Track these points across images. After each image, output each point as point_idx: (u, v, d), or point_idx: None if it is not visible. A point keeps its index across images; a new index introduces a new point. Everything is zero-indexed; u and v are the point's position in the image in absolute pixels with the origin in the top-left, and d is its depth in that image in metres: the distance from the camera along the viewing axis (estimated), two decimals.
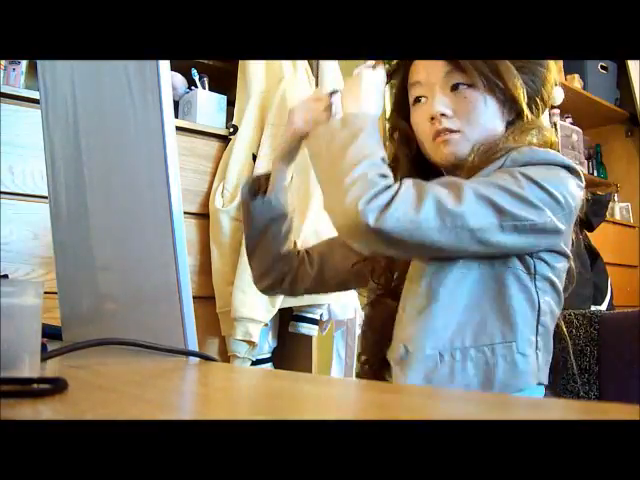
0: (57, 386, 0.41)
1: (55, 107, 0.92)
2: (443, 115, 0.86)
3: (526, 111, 0.87)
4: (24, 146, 1.57)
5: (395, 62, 0.95)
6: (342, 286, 1.11)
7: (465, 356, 0.79)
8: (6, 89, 1.59)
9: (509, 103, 0.87)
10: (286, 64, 1.92)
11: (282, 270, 1.05)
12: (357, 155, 0.78)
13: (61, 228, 0.95)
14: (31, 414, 0.36)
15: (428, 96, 0.89)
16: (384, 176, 0.77)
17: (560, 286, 0.86)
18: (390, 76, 0.96)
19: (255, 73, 1.93)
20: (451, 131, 0.86)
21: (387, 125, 1.00)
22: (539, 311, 0.82)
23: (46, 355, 0.57)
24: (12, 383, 0.41)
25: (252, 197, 1.01)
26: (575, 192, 0.81)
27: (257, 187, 1.02)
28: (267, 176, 1.03)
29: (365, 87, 0.87)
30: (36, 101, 1.08)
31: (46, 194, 0.98)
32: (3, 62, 1.72)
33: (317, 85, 1.97)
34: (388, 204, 0.73)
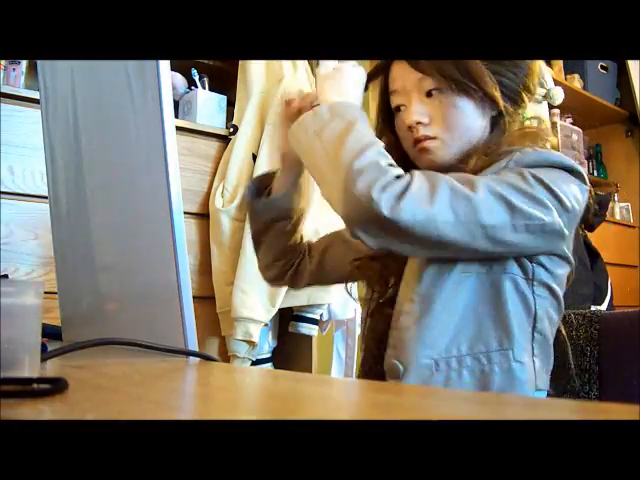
0: (57, 386, 0.41)
1: (55, 107, 0.92)
2: (419, 123, 0.86)
3: (503, 106, 0.86)
4: (24, 146, 1.57)
5: (375, 70, 0.94)
6: (340, 281, 1.10)
7: (461, 364, 0.78)
8: (6, 89, 1.59)
9: (488, 99, 0.85)
10: (286, 64, 1.92)
11: (286, 263, 1.05)
12: (360, 142, 0.76)
13: (61, 228, 0.95)
14: (31, 414, 0.36)
15: (406, 104, 0.88)
16: (392, 165, 0.76)
17: (560, 293, 0.84)
18: (369, 80, 0.95)
19: (255, 73, 1.93)
20: (429, 138, 0.86)
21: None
22: (535, 318, 0.81)
23: (46, 355, 0.57)
24: (12, 383, 0.41)
25: (256, 197, 1.01)
26: (579, 196, 0.80)
27: (263, 186, 1.02)
28: (273, 174, 1.02)
29: (346, 82, 0.86)
30: (36, 101, 1.08)
31: (46, 194, 0.98)
32: (3, 62, 1.72)
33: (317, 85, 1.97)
34: (402, 193, 0.71)
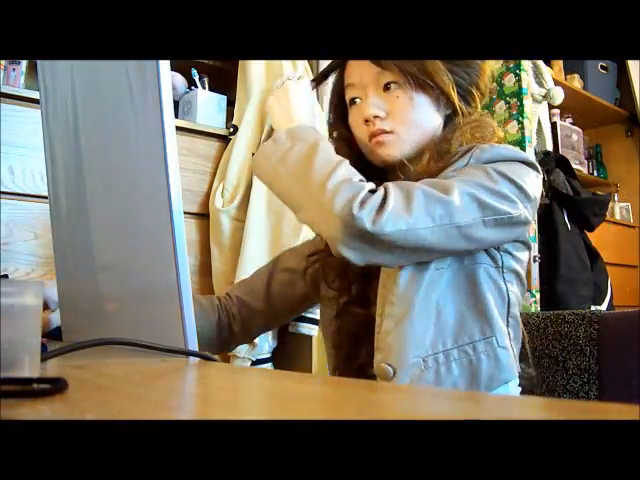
0: (57, 386, 0.41)
1: (55, 107, 0.92)
2: (376, 117, 0.86)
3: (458, 106, 0.87)
4: (24, 146, 1.57)
5: (333, 65, 0.95)
6: (294, 310, 1.09)
7: (448, 358, 0.79)
8: (6, 89, 1.59)
9: (444, 97, 0.87)
10: (286, 64, 1.92)
11: (217, 335, 1.02)
12: (328, 161, 0.77)
13: (61, 228, 0.95)
14: (31, 414, 0.36)
15: (362, 97, 0.89)
16: (363, 180, 0.77)
17: (524, 276, 0.88)
18: (325, 76, 0.96)
19: (255, 73, 1.93)
20: (385, 132, 0.86)
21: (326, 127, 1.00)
22: (509, 303, 0.84)
23: (46, 355, 0.57)
24: (12, 383, 0.41)
25: None
26: (537, 184, 0.84)
27: None
28: None
29: (294, 100, 0.87)
30: (36, 101, 1.08)
31: (46, 194, 0.98)
32: (3, 62, 1.72)
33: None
34: (381, 206, 0.73)
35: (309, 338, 1.89)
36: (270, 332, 1.90)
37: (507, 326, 0.83)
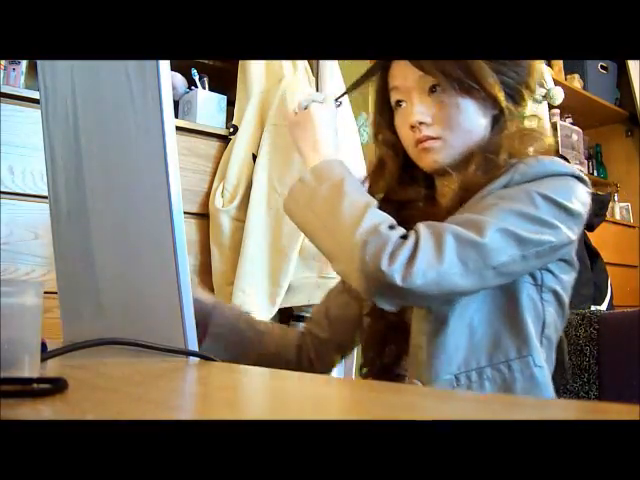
0: (57, 386, 0.41)
1: (55, 107, 0.92)
2: (422, 123, 0.84)
3: (506, 107, 0.85)
4: (24, 146, 1.57)
5: (375, 67, 0.93)
6: (357, 332, 1.05)
7: (481, 376, 0.78)
8: (6, 89, 1.59)
9: (490, 99, 0.84)
10: (286, 64, 1.92)
11: (297, 357, 1.03)
12: (354, 207, 0.76)
13: (61, 228, 0.95)
14: (31, 414, 0.36)
15: (407, 101, 0.87)
16: (392, 226, 0.75)
17: (565, 299, 0.84)
18: (369, 76, 0.94)
19: (255, 73, 1.93)
20: (432, 138, 0.85)
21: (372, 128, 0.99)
22: (544, 323, 0.82)
23: (46, 355, 0.57)
24: (12, 383, 0.41)
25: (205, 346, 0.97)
26: (585, 200, 0.81)
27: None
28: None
29: (319, 127, 0.86)
30: (36, 101, 1.08)
31: (46, 194, 0.98)
32: (3, 62, 1.72)
33: (317, 85, 1.97)
34: (411, 258, 0.70)
35: None
36: None
37: (541, 346, 0.81)
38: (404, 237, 0.73)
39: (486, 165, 0.82)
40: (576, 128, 3.19)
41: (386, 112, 0.93)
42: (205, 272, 1.83)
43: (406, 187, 0.91)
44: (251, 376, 0.66)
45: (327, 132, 0.87)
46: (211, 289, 1.82)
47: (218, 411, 0.39)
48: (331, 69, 1.99)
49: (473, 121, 0.85)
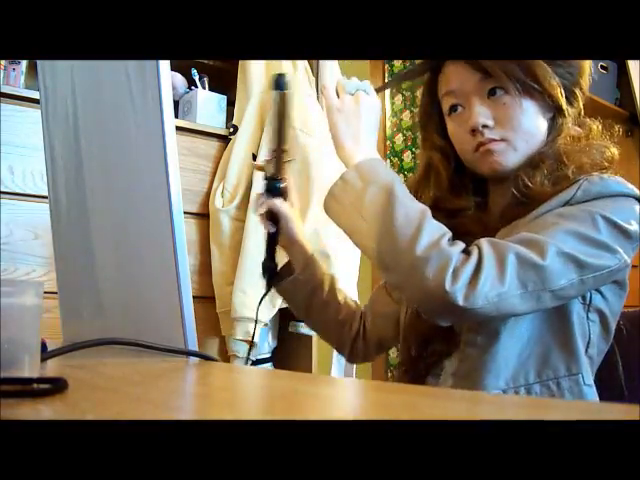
0: (57, 386, 0.41)
1: (55, 107, 0.92)
2: (485, 126, 0.82)
3: (566, 109, 0.84)
4: (24, 146, 1.57)
5: (422, 69, 0.91)
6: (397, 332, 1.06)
7: (530, 392, 0.77)
8: (6, 89, 1.59)
9: (549, 100, 0.83)
10: (286, 64, 1.92)
11: (346, 333, 1.04)
12: (410, 217, 0.73)
13: (61, 228, 0.95)
14: (31, 414, 0.36)
15: (464, 105, 0.85)
16: (450, 239, 0.74)
17: (611, 321, 0.83)
18: (412, 77, 0.92)
19: (255, 73, 1.93)
20: (495, 141, 0.82)
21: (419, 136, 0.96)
22: (589, 342, 0.81)
23: (46, 355, 0.57)
24: (12, 383, 0.41)
25: (279, 282, 1.01)
26: None
27: (283, 269, 1.02)
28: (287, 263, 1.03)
29: (365, 119, 0.83)
30: (36, 101, 1.08)
31: (46, 194, 0.98)
32: (3, 62, 1.72)
33: (317, 85, 1.97)
34: (474, 278, 0.69)
35: (309, 338, 1.89)
36: (270, 332, 1.90)
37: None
38: (465, 252, 0.72)
39: (553, 176, 0.81)
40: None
41: (435, 118, 0.91)
42: (205, 272, 1.83)
43: (457, 195, 0.90)
44: (251, 376, 0.66)
45: (371, 126, 0.83)
46: (211, 289, 1.82)
47: (218, 411, 0.39)
48: (331, 69, 2.00)
49: (535, 123, 0.84)
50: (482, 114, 0.82)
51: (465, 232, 0.82)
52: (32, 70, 1.75)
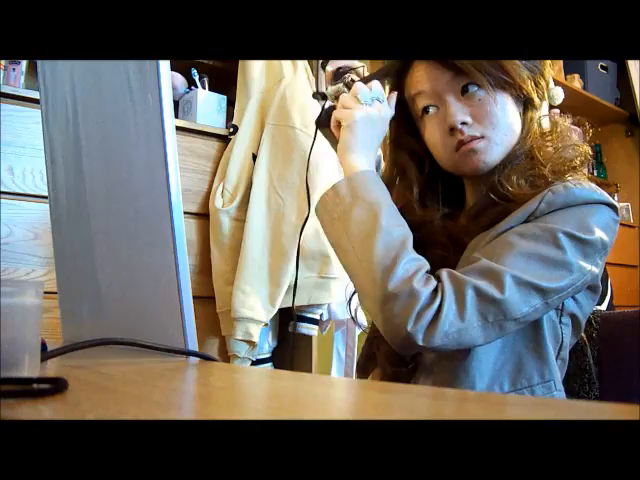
0: (57, 386, 0.41)
1: (55, 107, 0.92)
2: (464, 124, 0.81)
3: (536, 100, 0.84)
4: (24, 146, 1.57)
5: (387, 73, 0.90)
6: None
7: None
8: (6, 89, 1.59)
9: (519, 92, 0.83)
10: (286, 64, 1.92)
11: None
12: (390, 247, 0.73)
13: (61, 228, 0.95)
14: (31, 414, 0.36)
15: (439, 105, 0.84)
16: (425, 273, 0.74)
17: (582, 321, 0.84)
18: (382, 79, 0.90)
19: (255, 73, 1.93)
20: (476, 138, 0.81)
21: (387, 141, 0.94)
22: (561, 345, 0.82)
23: (46, 355, 0.57)
24: (12, 383, 0.41)
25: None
26: (613, 227, 0.79)
27: None
28: None
29: (376, 127, 0.82)
30: (36, 101, 1.08)
31: (46, 194, 0.98)
32: (3, 62, 1.72)
33: (317, 85, 1.97)
34: (434, 319, 0.70)
35: (309, 338, 1.89)
36: (270, 332, 1.90)
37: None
38: (435, 290, 0.72)
39: (529, 175, 0.80)
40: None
41: (405, 121, 0.90)
42: (205, 272, 1.83)
43: (425, 205, 0.89)
44: (251, 376, 0.66)
45: (374, 138, 0.84)
46: (211, 289, 1.82)
47: (218, 411, 0.39)
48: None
49: (512, 117, 0.83)
50: (459, 112, 0.81)
51: (438, 234, 0.83)
52: (32, 70, 1.75)
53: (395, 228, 0.76)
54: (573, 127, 0.91)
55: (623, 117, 3.48)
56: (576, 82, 3.20)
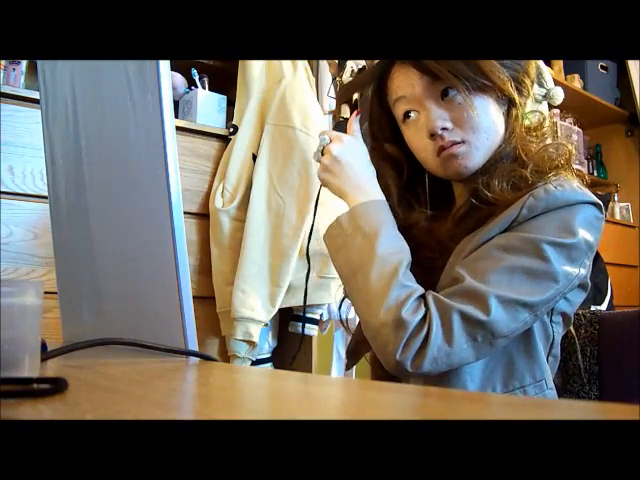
0: (57, 386, 0.41)
1: (55, 107, 0.91)
2: (444, 129, 0.81)
3: (519, 101, 0.83)
4: (24, 146, 1.57)
5: (369, 78, 0.91)
6: None
7: None
8: (6, 89, 1.59)
9: (502, 94, 0.82)
10: (286, 64, 1.92)
11: None
12: (382, 275, 0.76)
13: (61, 228, 0.95)
14: (31, 414, 0.36)
15: (419, 110, 0.84)
16: (418, 297, 0.75)
17: (572, 317, 0.85)
18: (364, 87, 0.92)
19: (255, 73, 1.93)
20: (456, 143, 0.81)
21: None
22: (552, 344, 0.83)
23: (46, 355, 0.57)
24: (12, 383, 0.41)
25: None
26: (597, 225, 0.79)
27: None
28: None
29: (347, 163, 0.84)
30: (36, 101, 1.08)
31: (46, 194, 0.98)
32: (3, 62, 1.72)
33: (317, 85, 1.97)
34: (422, 347, 0.72)
35: (309, 338, 1.89)
36: (270, 332, 1.90)
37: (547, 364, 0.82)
38: (424, 317, 0.73)
39: (511, 176, 0.80)
40: (576, 128, 3.19)
41: (386, 125, 0.90)
42: (205, 272, 1.83)
43: (406, 209, 0.89)
44: (251, 376, 0.66)
45: (360, 163, 0.85)
46: (211, 289, 1.82)
47: (218, 411, 0.39)
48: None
49: (492, 119, 0.83)
50: (439, 117, 0.81)
51: (420, 245, 0.84)
52: (32, 70, 1.75)
53: (390, 256, 0.77)
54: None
55: (623, 117, 3.48)
56: (576, 82, 3.20)
